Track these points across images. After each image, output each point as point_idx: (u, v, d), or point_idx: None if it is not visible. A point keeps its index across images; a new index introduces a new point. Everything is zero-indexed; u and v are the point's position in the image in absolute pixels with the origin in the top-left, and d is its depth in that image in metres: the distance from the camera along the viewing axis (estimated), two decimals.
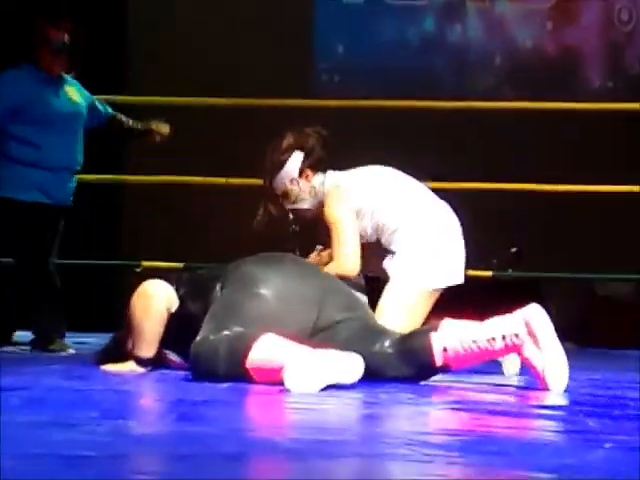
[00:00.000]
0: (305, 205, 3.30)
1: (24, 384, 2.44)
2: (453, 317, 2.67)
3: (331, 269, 3.12)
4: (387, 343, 2.68)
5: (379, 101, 5.07)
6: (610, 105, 5.58)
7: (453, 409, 2.24)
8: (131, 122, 4.42)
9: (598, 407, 2.29)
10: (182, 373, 2.75)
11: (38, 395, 2.26)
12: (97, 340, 4.54)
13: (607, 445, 1.62)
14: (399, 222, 3.23)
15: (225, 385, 2.46)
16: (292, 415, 2.08)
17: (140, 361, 2.86)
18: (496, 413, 2.14)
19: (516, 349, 2.57)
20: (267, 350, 2.47)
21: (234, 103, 5.30)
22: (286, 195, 3.29)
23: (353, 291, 3.00)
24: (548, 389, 2.53)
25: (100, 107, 4.40)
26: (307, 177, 3.28)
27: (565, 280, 6.25)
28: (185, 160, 5.88)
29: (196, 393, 2.36)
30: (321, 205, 3.26)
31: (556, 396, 2.49)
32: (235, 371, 2.50)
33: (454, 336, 2.57)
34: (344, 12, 7.37)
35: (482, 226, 6.40)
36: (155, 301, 2.84)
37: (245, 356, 2.48)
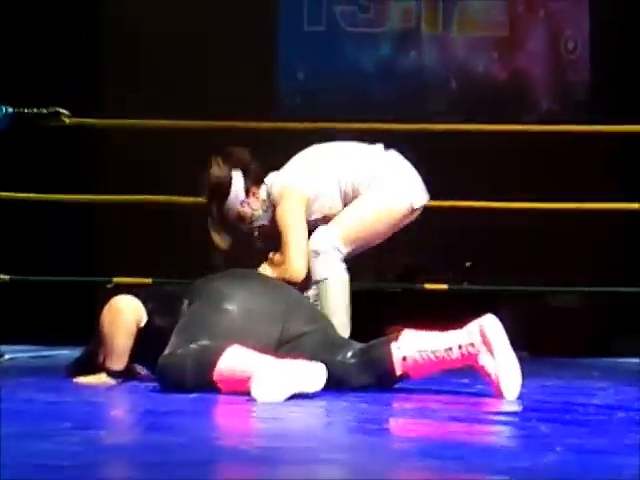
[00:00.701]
0: (262, 221, 3.20)
1: None
2: (411, 328, 2.67)
3: (279, 274, 3.04)
4: (349, 354, 2.68)
5: (339, 123, 5.07)
6: (562, 127, 5.63)
7: (411, 416, 2.25)
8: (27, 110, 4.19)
9: (549, 412, 2.30)
10: (151, 385, 2.73)
11: (12, 407, 2.23)
12: (69, 354, 4.51)
13: (558, 449, 1.63)
14: (367, 173, 3.16)
15: (192, 395, 2.44)
16: (258, 423, 2.08)
17: (111, 373, 2.84)
18: (452, 419, 2.14)
19: (472, 358, 2.58)
20: (233, 361, 2.45)
21: (201, 125, 5.28)
22: (241, 219, 3.17)
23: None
24: (502, 396, 2.53)
25: None
26: (254, 194, 3.16)
27: (518, 293, 6.29)
28: (155, 179, 5.86)
29: (165, 404, 2.34)
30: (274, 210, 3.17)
31: (509, 403, 2.50)
32: (202, 383, 2.48)
33: (413, 346, 2.58)
34: (306, 39, 7.40)
35: (440, 241, 6.45)
36: (124, 315, 2.82)
37: (212, 368, 2.46)
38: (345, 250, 3.10)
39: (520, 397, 2.56)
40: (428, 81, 7.40)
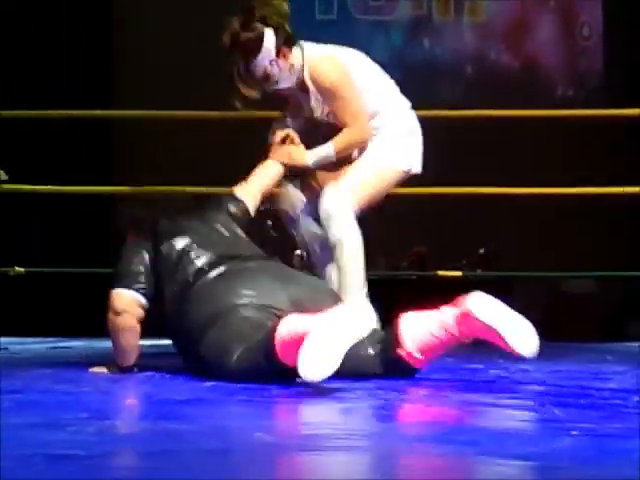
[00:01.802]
0: (286, 84, 3.06)
1: (17, 388, 2.42)
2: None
3: (346, 136, 3.01)
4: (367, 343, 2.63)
5: None
6: (582, 112, 5.61)
7: (426, 402, 2.24)
8: None
9: (565, 397, 2.29)
10: (167, 374, 2.74)
11: (30, 398, 2.24)
12: (87, 344, 4.52)
13: (573, 432, 1.62)
14: (378, 106, 3.12)
15: (209, 384, 2.45)
16: (273, 411, 2.08)
17: (122, 370, 2.85)
18: (467, 404, 2.13)
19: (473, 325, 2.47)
20: (289, 327, 2.36)
21: (216, 116, 5.28)
22: (267, 78, 3.01)
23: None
24: (519, 356, 2.43)
25: None
26: (284, 55, 3.02)
27: (532, 278, 6.27)
28: (172, 170, 5.87)
29: (180, 393, 2.34)
30: (300, 80, 3.07)
31: (524, 387, 2.49)
32: (274, 363, 2.39)
33: (419, 330, 2.52)
34: (318, 27, 7.39)
35: (453, 229, 6.43)
36: (124, 318, 2.80)
37: (273, 342, 2.37)
38: (356, 210, 3.05)
39: (534, 382, 2.55)
40: (440, 68, 7.37)
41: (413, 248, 6.30)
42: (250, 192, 2.98)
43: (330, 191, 3.04)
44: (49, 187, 5.01)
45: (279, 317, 2.45)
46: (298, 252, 3.36)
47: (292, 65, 3.04)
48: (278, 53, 3.01)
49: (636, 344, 4.90)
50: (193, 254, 2.75)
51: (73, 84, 7.04)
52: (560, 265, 6.11)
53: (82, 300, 6.57)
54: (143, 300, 2.79)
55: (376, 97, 3.14)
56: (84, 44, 7.29)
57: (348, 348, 2.27)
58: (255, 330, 2.49)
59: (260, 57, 2.98)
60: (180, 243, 2.79)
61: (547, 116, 5.54)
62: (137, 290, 2.80)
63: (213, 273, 2.70)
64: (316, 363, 2.22)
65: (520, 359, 2.47)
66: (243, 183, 3.02)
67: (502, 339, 2.45)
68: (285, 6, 3.04)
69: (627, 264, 6.65)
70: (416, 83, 7.17)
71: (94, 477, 1.26)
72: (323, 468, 1.35)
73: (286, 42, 3.03)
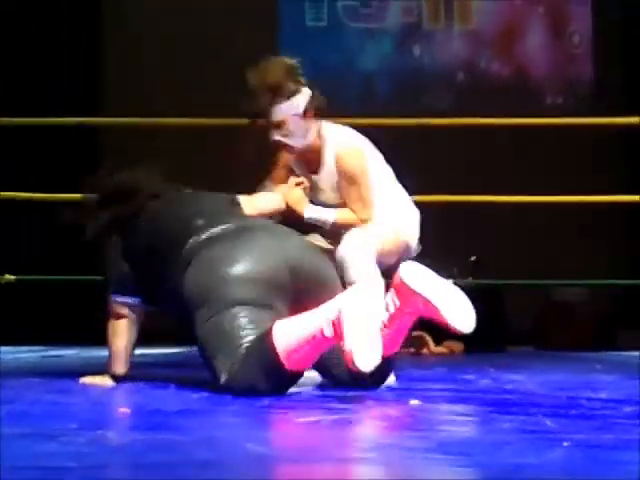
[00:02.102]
0: (292, 142, 3.08)
1: (8, 398, 2.41)
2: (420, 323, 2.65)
3: (350, 216, 3.06)
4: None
5: (343, 119, 5.06)
6: (565, 120, 5.62)
7: (415, 413, 2.24)
8: None
9: (555, 408, 2.30)
10: (159, 384, 2.73)
11: (21, 408, 2.23)
12: (76, 353, 4.51)
13: (565, 444, 1.62)
14: (382, 194, 3.17)
15: (200, 395, 2.44)
16: (266, 421, 2.07)
17: (114, 377, 2.86)
18: (457, 415, 2.13)
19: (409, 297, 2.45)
20: (287, 334, 2.35)
21: (206, 123, 5.28)
22: (280, 125, 3.04)
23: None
24: (454, 329, 2.43)
25: None
26: (308, 118, 3.07)
27: (523, 287, 6.28)
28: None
29: (171, 403, 2.34)
30: (309, 149, 3.11)
31: (515, 398, 2.49)
32: (277, 373, 2.37)
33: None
34: (308, 34, 7.40)
35: (444, 236, 6.43)
36: (117, 324, 2.84)
37: (274, 353, 2.35)
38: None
39: (525, 392, 2.56)
40: (430, 76, 7.38)
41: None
42: (251, 206, 2.98)
43: (350, 236, 3.04)
44: (39, 194, 5.01)
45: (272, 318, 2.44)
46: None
47: (307, 130, 3.08)
48: (304, 114, 3.05)
49: (626, 353, 4.92)
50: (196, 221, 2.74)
51: (73, 84, 7.02)
52: (551, 273, 6.13)
53: (72, 308, 6.56)
54: (135, 301, 2.82)
55: (382, 189, 3.19)
56: (84, 44, 7.24)
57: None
58: (242, 341, 2.47)
59: (286, 105, 3.03)
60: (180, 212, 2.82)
61: (537, 124, 5.56)
62: (129, 293, 2.82)
63: (214, 231, 2.69)
64: (368, 353, 2.23)
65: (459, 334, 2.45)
66: (245, 196, 3.02)
67: (437, 311, 2.43)
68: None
69: (619, 272, 6.68)
70: (406, 90, 7.21)
71: None
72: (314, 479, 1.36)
73: (314, 110, 3.08)
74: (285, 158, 3.25)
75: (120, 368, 2.85)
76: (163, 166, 3.04)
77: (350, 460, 1.50)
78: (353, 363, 2.24)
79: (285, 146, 3.11)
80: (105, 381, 2.86)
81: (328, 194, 3.17)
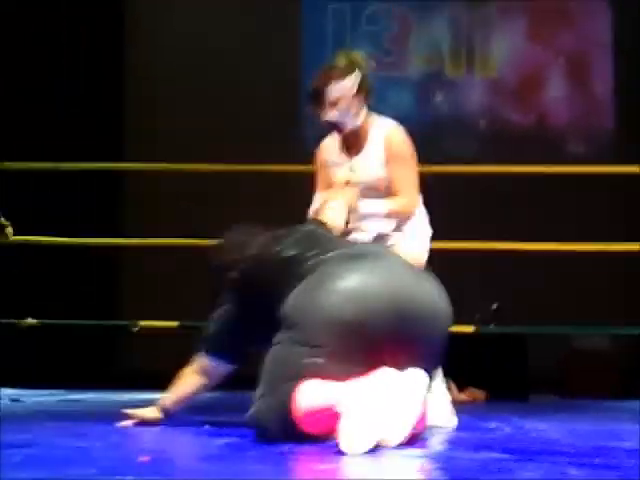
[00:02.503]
0: (344, 120, 3.17)
1: (26, 441, 2.40)
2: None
3: (400, 202, 3.12)
4: None
5: None
6: (587, 168, 5.64)
7: (439, 459, 2.21)
8: None
9: (579, 457, 2.26)
10: (186, 429, 2.72)
11: (37, 453, 2.22)
12: (96, 397, 4.50)
13: None
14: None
15: (223, 441, 2.42)
16: (287, 467, 2.05)
17: (162, 408, 2.87)
18: (480, 463, 2.11)
19: None
20: (312, 396, 2.31)
21: (227, 169, 5.32)
22: (336, 103, 3.14)
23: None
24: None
25: None
26: (359, 99, 3.17)
27: (546, 334, 6.24)
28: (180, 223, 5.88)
29: (192, 449, 2.32)
30: (356, 130, 3.18)
31: (538, 446, 2.46)
32: (288, 429, 2.34)
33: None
34: None
35: (465, 283, 6.41)
36: (194, 371, 2.87)
37: (291, 408, 2.33)
38: None
39: (549, 441, 2.52)
40: (452, 124, 7.40)
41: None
42: (326, 218, 2.97)
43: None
44: (58, 239, 5.06)
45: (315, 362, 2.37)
46: None
47: (357, 113, 3.18)
48: (356, 94, 3.16)
49: None
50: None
51: (73, 84, 7.05)
52: (574, 322, 6.08)
53: (90, 351, 6.57)
54: (219, 364, 2.84)
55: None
56: (84, 44, 7.19)
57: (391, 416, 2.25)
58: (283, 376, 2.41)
59: (340, 84, 3.14)
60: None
61: (558, 172, 5.57)
62: (217, 355, 2.84)
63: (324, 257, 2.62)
64: (354, 439, 2.20)
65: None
66: (315, 212, 3.05)
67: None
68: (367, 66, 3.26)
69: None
70: (427, 138, 7.22)
71: None
72: None
73: (367, 91, 3.20)
74: (323, 175, 3.29)
75: (168, 401, 2.86)
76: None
77: None
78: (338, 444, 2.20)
79: (335, 125, 3.18)
80: (147, 413, 2.86)
81: (362, 175, 3.18)
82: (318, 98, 3.16)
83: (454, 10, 7.60)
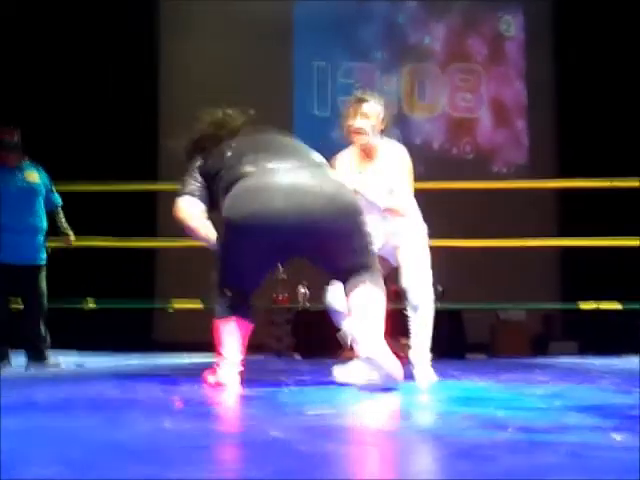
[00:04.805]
0: (368, 132, 3.13)
1: (91, 394, 2.35)
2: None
3: (393, 203, 3.07)
4: None
5: None
6: (516, 184, 5.67)
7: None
8: (63, 221, 4.27)
9: (504, 401, 2.25)
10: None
11: (100, 400, 2.17)
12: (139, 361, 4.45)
13: (509, 430, 1.57)
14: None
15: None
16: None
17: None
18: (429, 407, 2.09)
19: None
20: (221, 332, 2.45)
21: None
22: (368, 116, 3.12)
23: None
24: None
25: (52, 196, 4.23)
26: (379, 124, 3.16)
27: (477, 309, 6.28)
28: None
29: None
30: (370, 145, 3.14)
31: (473, 393, 2.44)
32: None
33: None
34: (315, 121, 7.47)
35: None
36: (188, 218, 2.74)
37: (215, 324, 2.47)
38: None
39: (481, 389, 2.49)
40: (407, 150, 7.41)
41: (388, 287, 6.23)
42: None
43: (419, 285, 3.21)
44: (109, 242, 5.02)
45: None
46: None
47: (375, 133, 3.15)
48: (380, 119, 3.15)
49: (556, 359, 4.87)
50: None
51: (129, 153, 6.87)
52: (497, 298, 6.11)
53: (135, 325, 6.47)
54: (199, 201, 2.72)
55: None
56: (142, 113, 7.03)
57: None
58: None
59: (375, 106, 3.13)
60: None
61: (487, 187, 5.58)
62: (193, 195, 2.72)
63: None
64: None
65: None
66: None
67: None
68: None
69: (550, 297, 6.65)
70: None
71: None
72: None
73: (384, 123, 3.17)
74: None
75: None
76: None
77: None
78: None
79: (362, 134, 3.12)
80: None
81: (371, 181, 3.15)
82: (357, 108, 3.12)
83: (406, 67, 7.71)
